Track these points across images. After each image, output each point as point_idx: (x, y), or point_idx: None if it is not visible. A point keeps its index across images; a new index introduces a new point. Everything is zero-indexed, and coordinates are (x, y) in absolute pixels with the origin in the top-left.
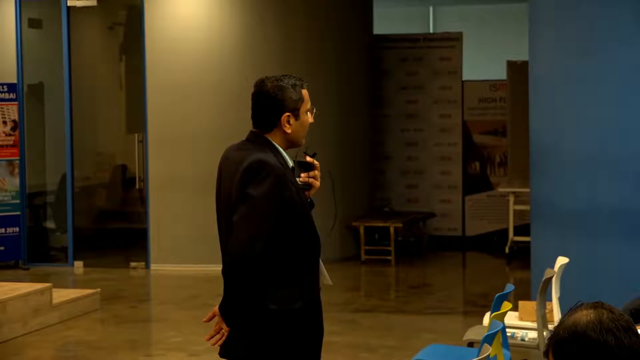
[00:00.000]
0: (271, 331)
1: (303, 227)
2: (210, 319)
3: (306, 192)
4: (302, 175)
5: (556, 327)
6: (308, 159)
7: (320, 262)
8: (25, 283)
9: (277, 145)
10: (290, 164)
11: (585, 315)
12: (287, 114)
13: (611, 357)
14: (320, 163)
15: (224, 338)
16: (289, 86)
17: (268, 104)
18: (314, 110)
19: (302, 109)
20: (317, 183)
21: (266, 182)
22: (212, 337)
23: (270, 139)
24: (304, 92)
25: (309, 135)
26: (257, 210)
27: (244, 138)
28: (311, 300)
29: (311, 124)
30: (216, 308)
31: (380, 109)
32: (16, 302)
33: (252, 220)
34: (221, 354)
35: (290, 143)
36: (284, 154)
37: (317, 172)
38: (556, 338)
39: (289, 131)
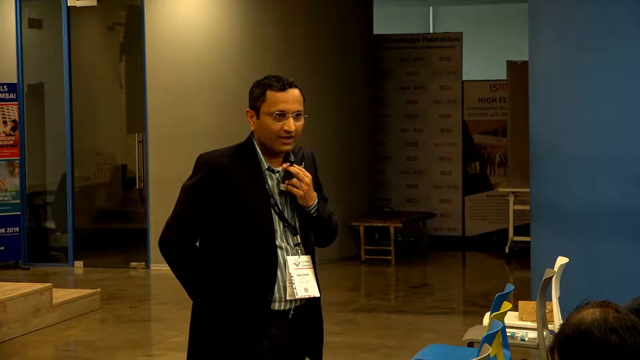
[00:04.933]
0: (194, 324)
1: (243, 229)
2: None
3: (300, 200)
4: (287, 182)
5: (562, 325)
6: (283, 165)
7: (294, 272)
8: (25, 283)
9: (255, 143)
10: (266, 165)
11: (591, 314)
12: (248, 110)
13: (614, 356)
14: (321, 163)
15: None
16: (256, 84)
17: None
18: (286, 115)
19: (263, 109)
20: (297, 191)
21: (196, 175)
22: None
23: (253, 136)
24: (271, 93)
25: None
26: (180, 199)
27: (243, 138)
28: (248, 303)
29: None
30: None
31: (380, 109)
32: (16, 302)
33: (174, 208)
34: None
35: (262, 145)
36: (260, 154)
37: (294, 180)
38: (561, 335)
39: (252, 128)
